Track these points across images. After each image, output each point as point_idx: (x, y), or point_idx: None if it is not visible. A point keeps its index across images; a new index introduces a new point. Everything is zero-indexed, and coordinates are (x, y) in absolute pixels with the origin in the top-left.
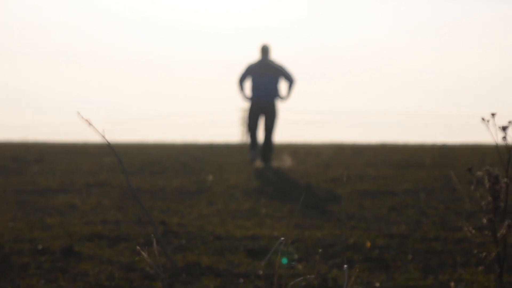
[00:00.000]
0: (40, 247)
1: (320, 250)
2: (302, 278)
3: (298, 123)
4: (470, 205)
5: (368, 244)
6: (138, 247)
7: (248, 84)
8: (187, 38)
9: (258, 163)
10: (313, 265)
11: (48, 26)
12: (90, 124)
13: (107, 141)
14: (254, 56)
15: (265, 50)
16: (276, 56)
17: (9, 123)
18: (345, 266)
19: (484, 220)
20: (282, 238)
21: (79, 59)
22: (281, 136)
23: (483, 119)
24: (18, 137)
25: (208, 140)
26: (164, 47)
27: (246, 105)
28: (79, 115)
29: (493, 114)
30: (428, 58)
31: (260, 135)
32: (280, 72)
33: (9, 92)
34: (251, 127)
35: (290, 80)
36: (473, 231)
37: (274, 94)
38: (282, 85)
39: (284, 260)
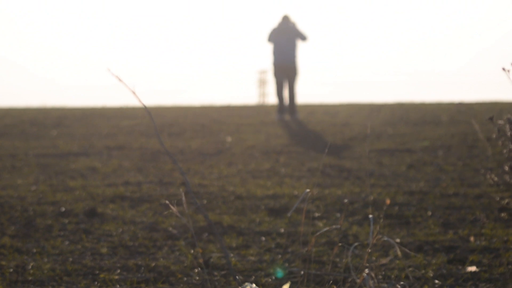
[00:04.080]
0: (63, 209)
1: (345, 201)
2: (326, 229)
3: (315, 84)
4: (491, 151)
5: (388, 201)
6: (167, 202)
7: (271, 48)
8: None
9: (287, 116)
10: (334, 222)
11: None
12: (120, 80)
13: (136, 96)
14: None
15: (285, 17)
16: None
17: (27, 89)
18: (370, 216)
19: (506, 168)
20: (308, 190)
21: (94, 23)
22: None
23: (503, 69)
24: (36, 103)
25: (226, 102)
26: (181, 9)
27: (269, 67)
28: (109, 71)
29: None
30: (445, 17)
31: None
32: (295, 33)
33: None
34: (278, 91)
35: (302, 39)
36: (495, 179)
37: (293, 54)
38: (299, 45)
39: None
